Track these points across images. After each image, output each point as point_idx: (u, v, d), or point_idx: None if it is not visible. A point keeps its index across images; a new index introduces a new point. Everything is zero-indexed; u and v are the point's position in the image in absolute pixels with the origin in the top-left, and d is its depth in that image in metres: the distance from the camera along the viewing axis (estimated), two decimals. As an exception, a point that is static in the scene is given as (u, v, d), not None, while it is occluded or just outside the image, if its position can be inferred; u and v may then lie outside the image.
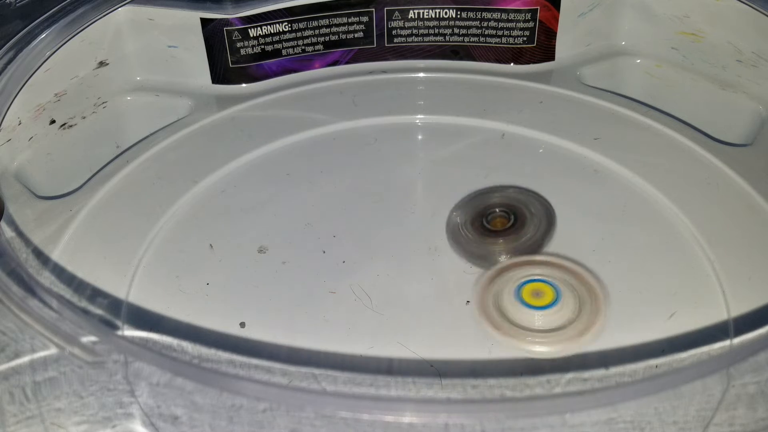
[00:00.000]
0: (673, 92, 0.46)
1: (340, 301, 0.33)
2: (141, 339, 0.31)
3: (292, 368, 0.29)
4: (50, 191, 0.39)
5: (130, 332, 0.31)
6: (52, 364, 0.24)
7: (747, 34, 0.42)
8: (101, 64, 0.43)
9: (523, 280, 0.32)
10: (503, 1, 0.45)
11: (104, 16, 0.42)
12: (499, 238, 0.34)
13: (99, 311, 0.32)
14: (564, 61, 0.46)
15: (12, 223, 0.34)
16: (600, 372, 0.29)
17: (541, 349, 0.30)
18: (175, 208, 0.37)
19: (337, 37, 0.46)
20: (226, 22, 0.44)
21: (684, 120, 0.42)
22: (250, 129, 0.42)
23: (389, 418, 0.21)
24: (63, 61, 0.40)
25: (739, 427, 0.22)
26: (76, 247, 0.35)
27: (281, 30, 0.45)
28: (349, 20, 0.46)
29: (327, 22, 0.45)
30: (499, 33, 0.46)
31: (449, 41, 0.47)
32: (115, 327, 0.31)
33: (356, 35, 0.46)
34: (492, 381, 0.29)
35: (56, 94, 0.41)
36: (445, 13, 0.46)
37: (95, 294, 0.32)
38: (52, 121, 0.41)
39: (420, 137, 0.43)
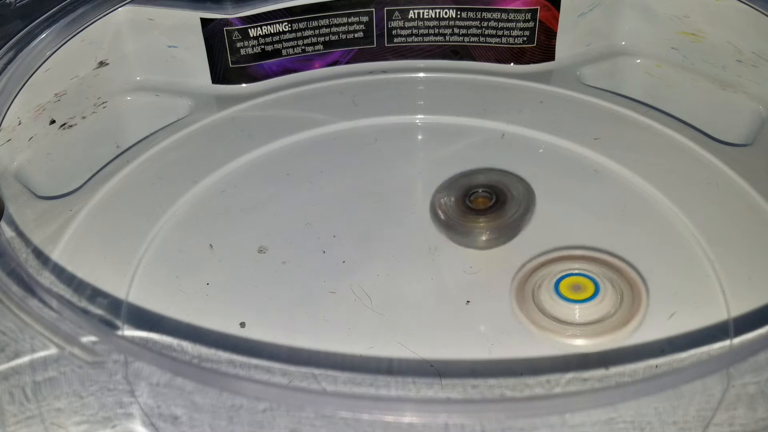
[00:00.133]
0: (673, 92, 0.46)
1: (340, 301, 0.33)
2: (141, 339, 0.31)
3: (292, 368, 0.29)
4: (50, 191, 0.39)
5: (130, 332, 0.31)
6: (52, 364, 0.24)
7: (747, 34, 0.42)
8: (101, 64, 0.43)
9: (561, 274, 0.32)
10: (503, 1, 0.45)
11: (104, 16, 0.42)
12: (480, 217, 0.35)
13: (99, 311, 0.32)
14: (564, 61, 0.46)
15: (12, 223, 0.34)
16: (600, 372, 0.29)
17: (580, 342, 0.30)
18: (175, 208, 0.37)
19: (337, 37, 0.46)
20: (226, 22, 0.44)
21: (684, 120, 0.42)
22: (250, 129, 0.42)
23: (389, 418, 0.21)
24: (63, 61, 0.40)
25: (739, 427, 0.22)
26: (76, 247, 0.35)
27: (281, 30, 0.45)
28: (349, 20, 0.46)
29: (327, 22, 0.45)
30: (499, 33, 0.46)
31: (449, 41, 0.47)
32: (115, 327, 0.31)
33: (356, 35, 0.46)
34: (492, 381, 0.29)
35: (56, 94, 0.41)
36: (445, 13, 0.46)
37: (95, 294, 0.32)
38: (52, 121, 0.41)
39: (420, 137, 0.43)
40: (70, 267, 0.33)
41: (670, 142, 0.40)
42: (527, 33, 0.46)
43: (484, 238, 0.34)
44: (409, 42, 0.47)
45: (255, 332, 0.31)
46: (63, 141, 0.42)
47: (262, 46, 0.45)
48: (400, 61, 0.47)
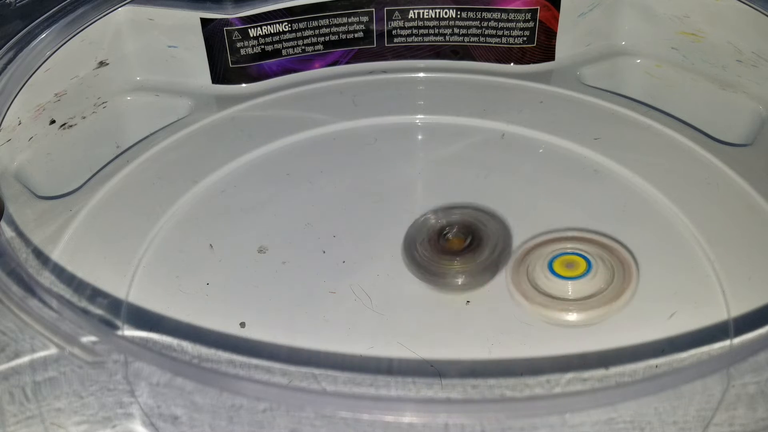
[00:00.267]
0: (673, 92, 0.46)
1: (340, 301, 0.33)
2: (141, 339, 0.31)
3: (292, 368, 0.29)
4: (50, 191, 0.39)
5: (130, 332, 0.31)
6: (52, 364, 0.24)
7: (747, 34, 0.42)
8: (101, 64, 0.43)
9: (554, 254, 0.33)
10: (503, 1, 0.45)
11: (104, 16, 0.42)
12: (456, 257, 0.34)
13: (99, 311, 0.32)
14: (564, 61, 0.46)
15: (12, 223, 0.34)
16: (600, 372, 0.29)
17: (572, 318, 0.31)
18: (175, 208, 0.37)
19: (337, 37, 0.46)
20: (226, 22, 0.44)
21: (684, 120, 0.42)
22: (250, 129, 0.42)
23: (389, 418, 0.21)
24: (63, 61, 0.40)
25: (739, 427, 0.22)
26: (76, 247, 0.35)
27: (281, 30, 0.45)
28: (349, 20, 0.46)
29: (327, 22, 0.45)
30: (499, 33, 0.46)
31: (449, 41, 0.47)
32: (115, 327, 0.31)
33: (356, 35, 0.46)
34: (492, 381, 0.29)
35: (56, 94, 0.41)
36: (445, 13, 0.46)
37: (95, 294, 0.32)
38: (52, 121, 0.41)
39: (420, 137, 0.43)
40: (70, 267, 0.33)
41: (670, 142, 0.40)
42: (527, 33, 0.46)
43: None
44: (409, 42, 0.47)
45: (255, 332, 0.31)
46: (63, 141, 0.42)
47: (262, 46, 0.45)
48: (400, 61, 0.47)
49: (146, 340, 0.31)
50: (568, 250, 0.33)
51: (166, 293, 0.33)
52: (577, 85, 0.45)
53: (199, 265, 0.35)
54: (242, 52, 0.45)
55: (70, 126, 0.42)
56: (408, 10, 0.46)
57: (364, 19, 0.46)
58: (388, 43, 0.47)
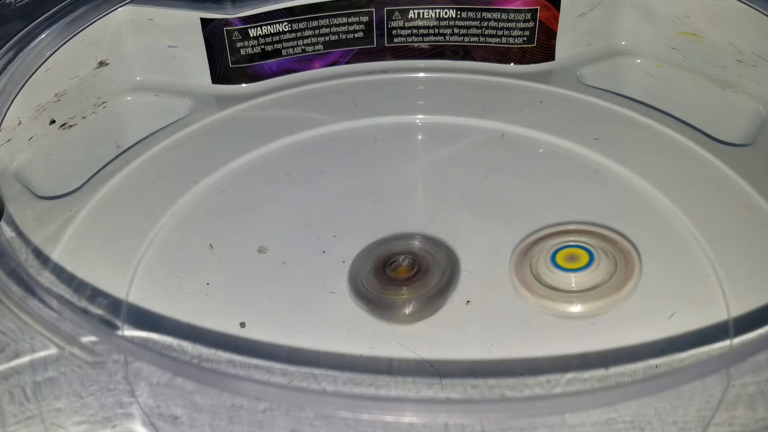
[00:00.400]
0: (673, 92, 0.46)
1: (340, 301, 0.33)
2: (141, 339, 0.31)
3: (292, 368, 0.29)
4: (50, 191, 0.39)
5: (130, 332, 0.31)
6: (52, 364, 0.24)
7: (747, 34, 0.42)
8: (101, 64, 0.43)
9: (557, 247, 0.33)
10: (503, 1, 0.45)
11: (104, 16, 0.42)
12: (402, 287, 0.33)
13: (99, 311, 0.32)
14: (564, 61, 0.46)
15: (12, 223, 0.34)
16: (600, 372, 0.29)
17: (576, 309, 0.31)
18: (175, 208, 0.37)
19: (337, 37, 0.46)
20: (226, 22, 0.44)
21: (684, 120, 0.42)
22: (250, 129, 0.42)
23: (389, 418, 0.21)
24: (63, 61, 0.40)
25: (739, 427, 0.22)
26: (76, 247, 0.35)
27: (281, 30, 0.45)
28: (349, 20, 0.46)
29: (327, 22, 0.45)
30: (499, 33, 0.46)
31: (449, 41, 0.47)
32: (115, 327, 0.31)
33: (356, 35, 0.46)
34: (492, 381, 0.29)
35: (56, 94, 0.41)
36: (445, 13, 0.46)
37: (95, 294, 0.32)
38: (52, 121, 0.41)
39: (420, 137, 0.43)
40: (70, 267, 0.33)
41: (670, 142, 0.40)
42: (527, 33, 0.46)
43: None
44: (409, 42, 0.47)
45: (255, 332, 0.31)
46: (63, 141, 0.42)
47: (262, 46, 0.45)
48: (400, 61, 0.47)
49: (146, 340, 0.31)
50: (571, 243, 0.33)
51: (166, 293, 0.33)
52: (577, 85, 0.45)
53: (199, 265, 0.35)
54: (242, 52, 0.45)
55: (70, 126, 0.42)
56: (408, 10, 0.46)
57: (364, 19, 0.46)
58: (388, 43, 0.47)
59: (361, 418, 0.22)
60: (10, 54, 0.37)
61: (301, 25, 0.45)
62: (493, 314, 0.32)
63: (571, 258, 0.32)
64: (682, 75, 0.45)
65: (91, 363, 0.24)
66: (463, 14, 0.46)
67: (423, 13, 0.46)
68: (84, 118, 0.43)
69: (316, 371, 0.29)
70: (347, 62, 0.47)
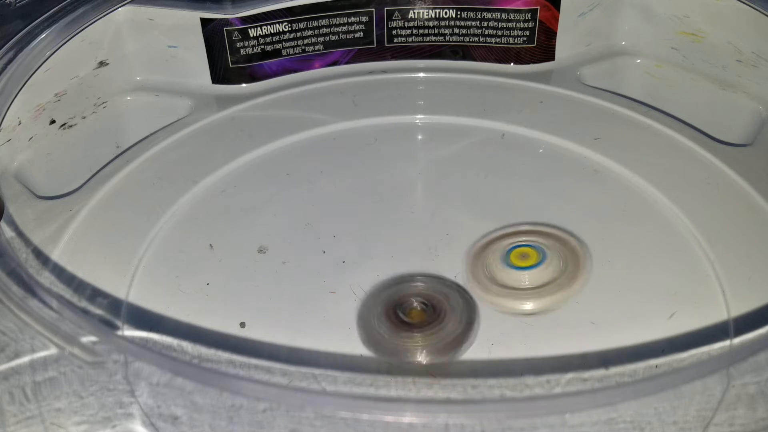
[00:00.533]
0: (673, 92, 0.46)
1: (340, 301, 0.33)
2: (141, 339, 0.31)
3: (292, 368, 0.29)
4: (50, 191, 0.39)
5: (130, 332, 0.31)
6: (52, 364, 0.24)
7: (747, 34, 0.42)
8: (101, 64, 0.43)
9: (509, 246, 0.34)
10: (503, 1, 0.45)
11: (104, 16, 0.42)
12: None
13: (99, 311, 0.32)
14: (564, 61, 0.46)
15: (12, 223, 0.34)
16: (600, 372, 0.29)
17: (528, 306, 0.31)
18: (175, 208, 0.37)
19: (337, 37, 0.46)
20: (226, 22, 0.44)
21: (684, 120, 0.42)
22: (250, 129, 0.42)
23: (389, 418, 0.21)
24: (63, 61, 0.40)
25: (739, 427, 0.22)
26: (76, 247, 0.35)
27: (281, 30, 0.45)
28: (349, 20, 0.46)
29: (327, 22, 0.45)
30: (499, 33, 0.46)
31: (449, 41, 0.47)
32: (115, 327, 0.31)
33: (356, 35, 0.46)
34: (492, 381, 0.29)
35: (56, 94, 0.41)
36: (445, 13, 0.46)
37: (95, 294, 0.32)
38: (52, 121, 0.41)
39: (420, 137, 0.43)
40: (70, 267, 0.33)
41: (670, 142, 0.40)
42: (527, 33, 0.46)
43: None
44: (409, 42, 0.47)
45: (255, 332, 0.31)
46: (63, 141, 0.42)
47: (262, 46, 0.45)
48: (400, 61, 0.47)
49: (146, 340, 0.31)
50: (523, 243, 0.34)
51: (166, 293, 0.33)
52: (577, 85, 0.45)
53: (199, 265, 0.35)
54: (242, 52, 0.45)
55: (70, 126, 0.42)
56: (408, 10, 0.46)
57: (364, 19, 0.46)
58: (388, 43, 0.47)
59: (361, 418, 0.22)
60: (10, 54, 0.37)
61: (301, 25, 0.45)
62: (492, 314, 0.32)
63: (523, 256, 0.33)
64: (682, 75, 0.45)
65: (91, 363, 0.24)
66: (463, 14, 0.46)
67: (423, 13, 0.46)
68: (84, 118, 0.43)
69: (316, 371, 0.29)
70: (347, 62, 0.47)
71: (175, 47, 0.45)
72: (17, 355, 0.25)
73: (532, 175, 0.39)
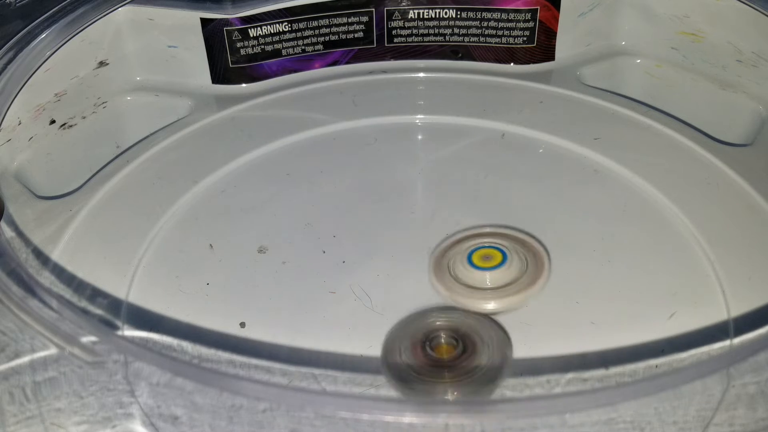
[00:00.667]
0: (673, 92, 0.46)
1: (340, 301, 0.33)
2: (141, 339, 0.31)
3: (292, 368, 0.29)
4: (50, 191, 0.39)
5: (130, 332, 0.31)
6: (52, 364, 0.24)
7: (747, 34, 0.42)
8: (101, 64, 0.43)
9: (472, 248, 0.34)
10: (503, 1, 0.45)
11: (104, 16, 0.42)
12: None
13: (99, 311, 0.32)
14: (564, 61, 0.46)
15: (12, 223, 0.34)
16: (600, 372, 0.29)
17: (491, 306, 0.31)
18: (175, 208, 0.37)
19: (337, 37, 0.46)
20: (226, 22, 0.44)
21: (684, 120, 0.42)
22: (250, 129, 0.42)
23: (389, 418, 0.21)
24: (63, 61, 0.40)
25: (739, 427, 0.22)
26: (76, 247, 0.35)
27: (281, 30, 0.45)
28: (349, 20, 0.46)
29: (327, 22, 0.45)
30: (499, 33, 0.46)
31: (449, 41, 0.47)
32: (115, 327, 0.31)
33: (356, 35, 0.46)
34: (492, 381, 0.29)
35: (56, 94, 0.41)
36: (445, 13, 0.46)
37: (95, 294, 0.32)
38: (52, 121, 0.41)
39: (420, 137, 0.43)
40: (70, 267, 0.33)
41: (670, 142, 0.40)
42: (527, 33, 0.46)
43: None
44: (409, 42, 0.47)
45: (255, 332, 0.31)
46: (63, 141, 0.42)
47: (262, 46, 0.45)
48: (400, 61, 0.47)
49: (146, 340, 0.31)
50: (486, 244, 0.34)
51: (166, 293, 0.33)
52: (577, 85, 0.45)
53: (199, 265, 0.35)
54: (242, 52, 0.45)
55: (70, 126, 0.42)
56: (408, 10, 0.46)
57: (364, 19, 0.46)
58: (388, 43, 0.47)
59: (361, 418, 0.22)
60: (10, 54, 0.37)
61: (301, 25, 0.45)
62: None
63: (486, 258, 0.33)
64: (682, 75, 0.45)
65: (91, 363, 0.24)
66: (463, 14, 0.46)
67: (423, 13, 0.46)
68: (84, 118, 0.43)
69: (316, 371, 0.29)
70: (347, 62, 0.47)
71: (175, 47, 0.45)
72: (17, 355, 0.25)
73: (532, 175, 0.39)
